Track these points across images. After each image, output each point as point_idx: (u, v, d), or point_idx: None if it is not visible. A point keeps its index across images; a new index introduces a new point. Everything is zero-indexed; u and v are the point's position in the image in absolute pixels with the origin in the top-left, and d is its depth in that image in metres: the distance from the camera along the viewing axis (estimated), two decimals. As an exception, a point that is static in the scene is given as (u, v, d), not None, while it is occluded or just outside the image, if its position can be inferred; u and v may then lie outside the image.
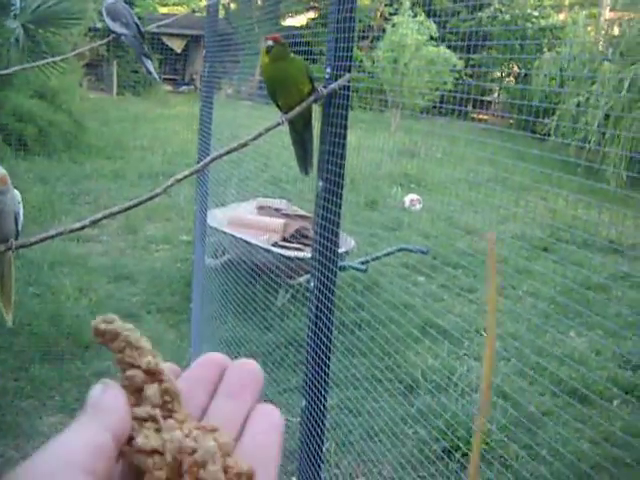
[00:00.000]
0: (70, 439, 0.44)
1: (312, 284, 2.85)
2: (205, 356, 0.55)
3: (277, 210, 7.33)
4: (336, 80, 2.67)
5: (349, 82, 2.67)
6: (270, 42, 2.67)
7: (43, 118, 13.17)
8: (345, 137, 2.69)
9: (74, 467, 0.42)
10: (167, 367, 0.52)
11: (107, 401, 0.47)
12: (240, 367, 0.54)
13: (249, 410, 0.52)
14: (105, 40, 4.26)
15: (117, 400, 0.47)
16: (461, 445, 3.92)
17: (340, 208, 2.73)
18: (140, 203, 2.40)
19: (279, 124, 2.69)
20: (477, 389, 4.96)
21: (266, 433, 0.51)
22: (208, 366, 0.54)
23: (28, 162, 12.23)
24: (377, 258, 6.19)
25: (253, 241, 6.27)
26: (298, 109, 2.70)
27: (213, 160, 2.61)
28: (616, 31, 12.48)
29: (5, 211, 2.57)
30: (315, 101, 2.74)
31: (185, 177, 2.45)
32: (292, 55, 2.81)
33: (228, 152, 2.56)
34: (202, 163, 2.62)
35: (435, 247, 7.44)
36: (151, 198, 2.40)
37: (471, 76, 9.87)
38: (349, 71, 2.67)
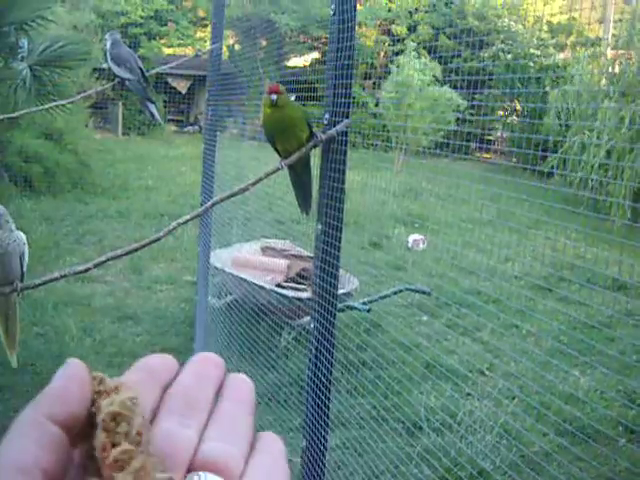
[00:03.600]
0: (14, 439, 0.43)
1: (312, 325, 2.87)
2: (203, 354, 0.55)
3: (281, 251, 7.36)
4: (334, 126, 2.71)
5: (347, 128, 2.71)
6: (274, 96, 2.71)
7: (49, 158, 13.26)
8: (344, 181, 2.72)
9: (24, 474, 0.41)
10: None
11: (54, 386, 0.46)
12: (236, 377, 0.55)
13: (252, 419, 0.52)
14: (110, 84, 4.30)
15: (68, 383, 0.46)
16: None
17: (339, 251, 2.75)
18: (143, 246, 2.43)
19: (279, 169, 2.73)
20: (482, 428, 4.95)
21: (274, 455, 0.51)
22: (208, 364, 0.54)
23: (34, 202, 12.31)
24: (380, 299, 6.20)
25: (256, 282, 6.28)
26: (298, 154, 2.73)
27: (214, 204, 2.64)
28: (617, 69, 12.57)
29: (9, 252, 2.58)
30: (314, 147, 2.78)
31: (187, 221, 2.48)
32: (292, 102, 2.85)
33: (229, 196, 2.60)
34: (204, 207, 2.66)
35: (439, 286, 7.44)
36: (153, 242, 2.43)
37: (473, 115, 9.94)
38: (347, 117, 2.71)
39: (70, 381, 0.46)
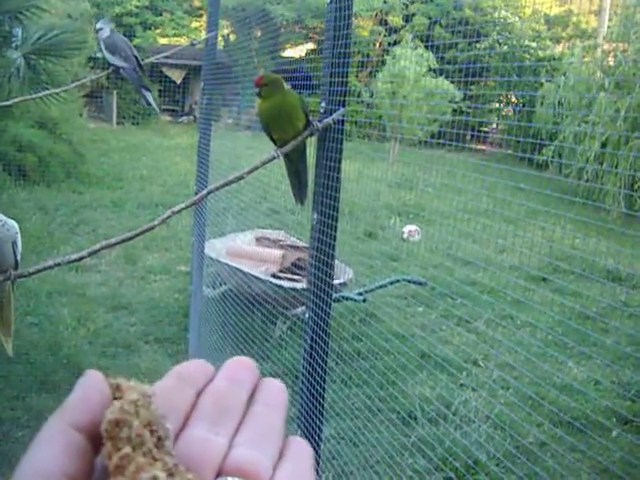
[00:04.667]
0: (40, 447, 0.44)
1: (307, 315, 2.86)
2: (237, 358, 0.56)
3: (276, 241, 7.34)
4: (331, 114, 2.69)
5: (344, 116, 2.69)
6: (256, 89, 2.71)
7: (43, 148, 13.22)
8: (339, 170, 2.71)
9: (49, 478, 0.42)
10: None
11: (76, 396, 0.47)
12: (269, 381, 0.56)
13: (283, 425, 0.53)
14: (104, 72, 4.28)
15: (88, 392, 0.47)
16: (463, 473, 3.90)
17: (335, 240, 2.74)
18: (137, 235, 2.41)
19: (274, 158, 2.71)
20: (477, 418, 4.95)
21: (302, 461, 0.52)
22: (242, 368, 0.55)
23: (27, 191, 12.27)
24: (376, 288, 6.20)
25: (251, 272, 6.27)
26: (293, 143, 2.72)
27: (210, 193, 2.62)
28: (611, 62, 12.57)
29: (1, 240, 2.56)
30: (310, 135, 2.76)
31: (182, 209, 2.46)
32: (287, 88, 2.82)
33: (224, 185, 2.58)
34: (198, 196, 2.64)
35: (434, 277, 7.44)
36: (148, 230, 2.41)
37: (469, 107, 9.92)
38: (344, 105, 2.70)
39: (90, 390, 0.47)
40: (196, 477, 0.45)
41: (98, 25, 4.05)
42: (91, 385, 0.47)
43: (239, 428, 0.51)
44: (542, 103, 11.31)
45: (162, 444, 0.45)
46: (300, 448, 0.53)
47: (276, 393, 0.55)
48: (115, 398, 0.47)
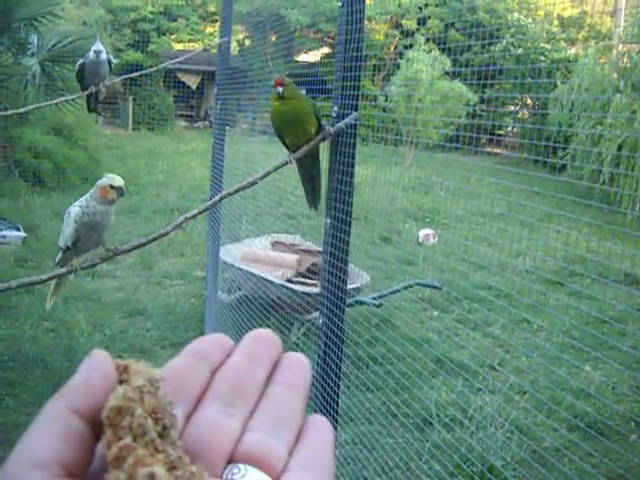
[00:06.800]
0: (34, 433, 0.42)
1: (321, 320, 2.85)
2: (257, 331, 0.54)
3: (291, 246, 7.33)
4: (343, 118, 2.69)
5: (356, 120, 2.68)
6: (280, 88, 2.69)
7: (59, 154, 13.29)
8: (352, 175, 2.70)
9: (41, 468, 0.40)
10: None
11: (79, 378, 0.45)
12: (291, 357, 0.53)
13: (303, 405, 0.51)
14: (119, 78, 4.29)
15: (91, 374, 0.45)
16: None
17: (348, 245, 2.73)
18: (150, 242, 2.41)
19: (287, 163, 2.71)
20: (492, 423, 4.93)
21: (320, 444, 0.49)
22: (262, 343, 0.53)
23: (44, 197, 12.33)
24: (391, 293, 6.18)
25: (266, 277, 6.27)
26: (306, 148, 2.71)
27: (223, 198, 2.62)
28: (627, 63, 12.50)
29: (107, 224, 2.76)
30: (322, 140, 2.76)
31: (195, 215, 2.46)
32: (300, 94, 2.83)
33: (237, 190, 2.58)
34: (212, 201, 2.64)
35: (450, 281, 7.42)
36: (161, 236, 2.41)
37: (485, 110, 9.89)
38: (356, 109, 2.69)
39: (94, 373, 0.45)
40: (201, 469, 0.43)
41: (96, 48, 4.06)
42: (96, 367, 0.45)
43: (255, 410, 0.49)
44: (555, 105, 11.26)
45: (167, 433, 0.43)
46: (320, 429, 0.51)
47: (297, 370, 0.52)
48: (121, 381, 0.45)
